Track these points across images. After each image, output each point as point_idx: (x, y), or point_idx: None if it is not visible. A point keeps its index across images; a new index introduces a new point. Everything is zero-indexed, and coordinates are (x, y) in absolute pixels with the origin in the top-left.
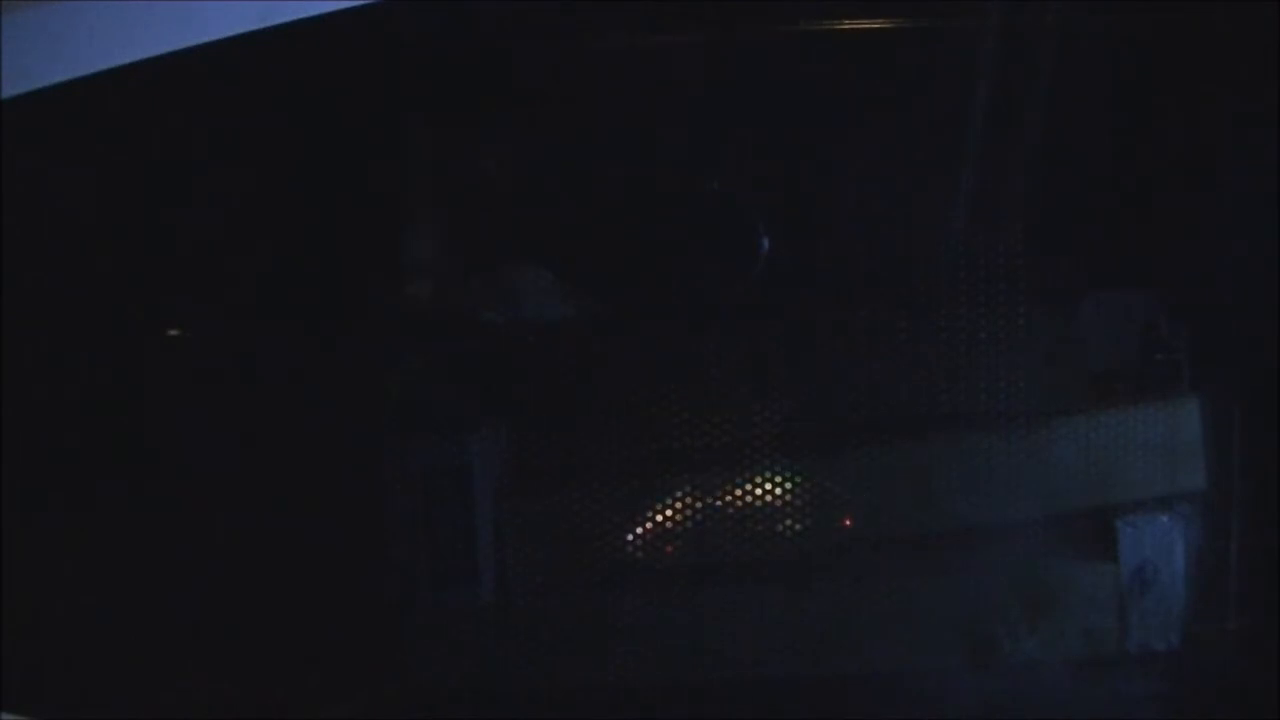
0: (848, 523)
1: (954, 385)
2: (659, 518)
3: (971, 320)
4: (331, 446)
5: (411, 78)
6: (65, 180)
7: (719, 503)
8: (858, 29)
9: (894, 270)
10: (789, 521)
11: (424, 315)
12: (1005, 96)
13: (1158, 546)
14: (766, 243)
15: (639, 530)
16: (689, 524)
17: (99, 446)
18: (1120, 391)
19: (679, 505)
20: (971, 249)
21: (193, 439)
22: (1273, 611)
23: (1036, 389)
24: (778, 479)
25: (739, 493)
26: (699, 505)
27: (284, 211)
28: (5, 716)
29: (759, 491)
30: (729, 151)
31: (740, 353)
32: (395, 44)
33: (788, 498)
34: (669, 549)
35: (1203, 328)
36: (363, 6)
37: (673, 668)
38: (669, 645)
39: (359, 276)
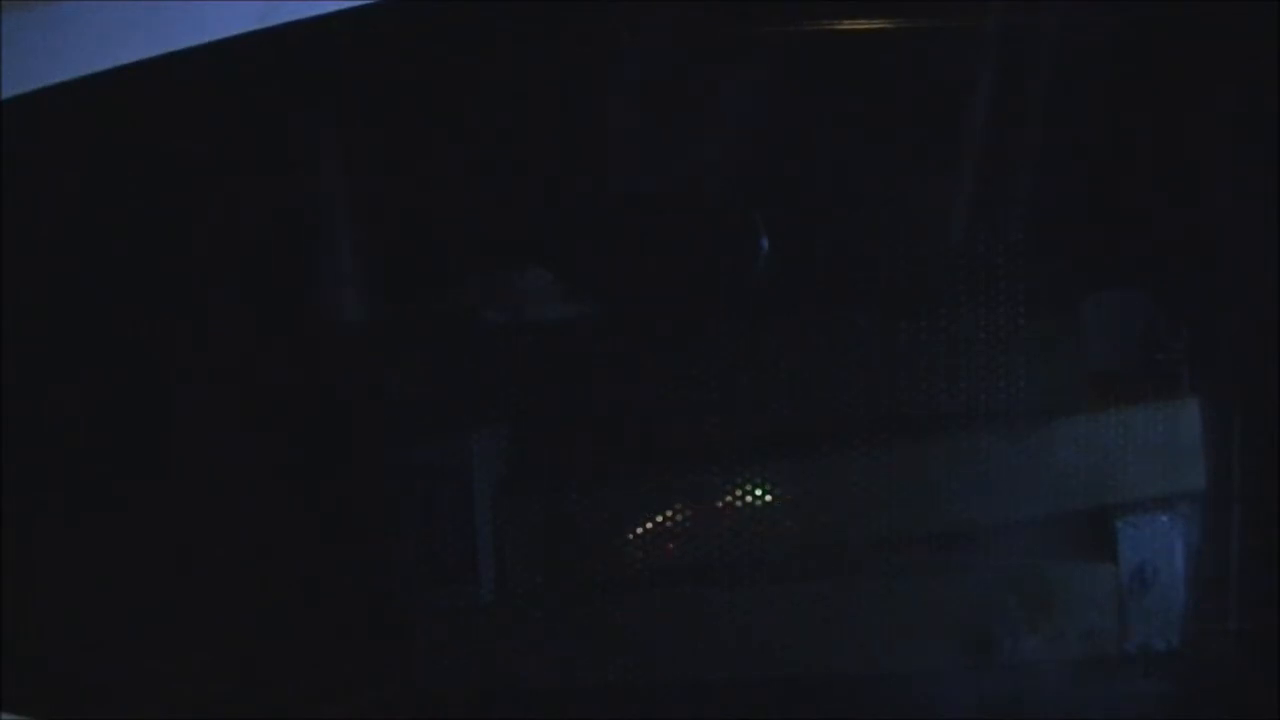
0: (846, 523)
1: (954, 385)
2: (659, 518)
3: (972, 320)
4: (330, 446)
5: (411, 78)
6: (65, 181)
7: (719, 503)
8: (855, 29)
9: (893, 270)
10: (789, 522)
11: (424, 315)
12: (1005, 96)
13: (1158, 546)
14: (766, 243)
15: (639, 531)
16: (689, 524)
17: (98, 446)
18: (1120, 392)
19: (679, 506)
20: (971, 249)
21: (192, 439)
22: (1273, 611)
23: (1036, 389)
24: (777, 479)
25: (739, 493)
26: (699, 506)
27: (283, 211)
28: (5, 717)
29: (759, 491)
30: (728, 151)
31: (740, 353)
32: (395, 44)
33: (787, 498)
34: (669, 549)
35: (1203, 328)
36: (363, 7)
37: (673, 668)
38: (669, 645)
39: (360, 276)
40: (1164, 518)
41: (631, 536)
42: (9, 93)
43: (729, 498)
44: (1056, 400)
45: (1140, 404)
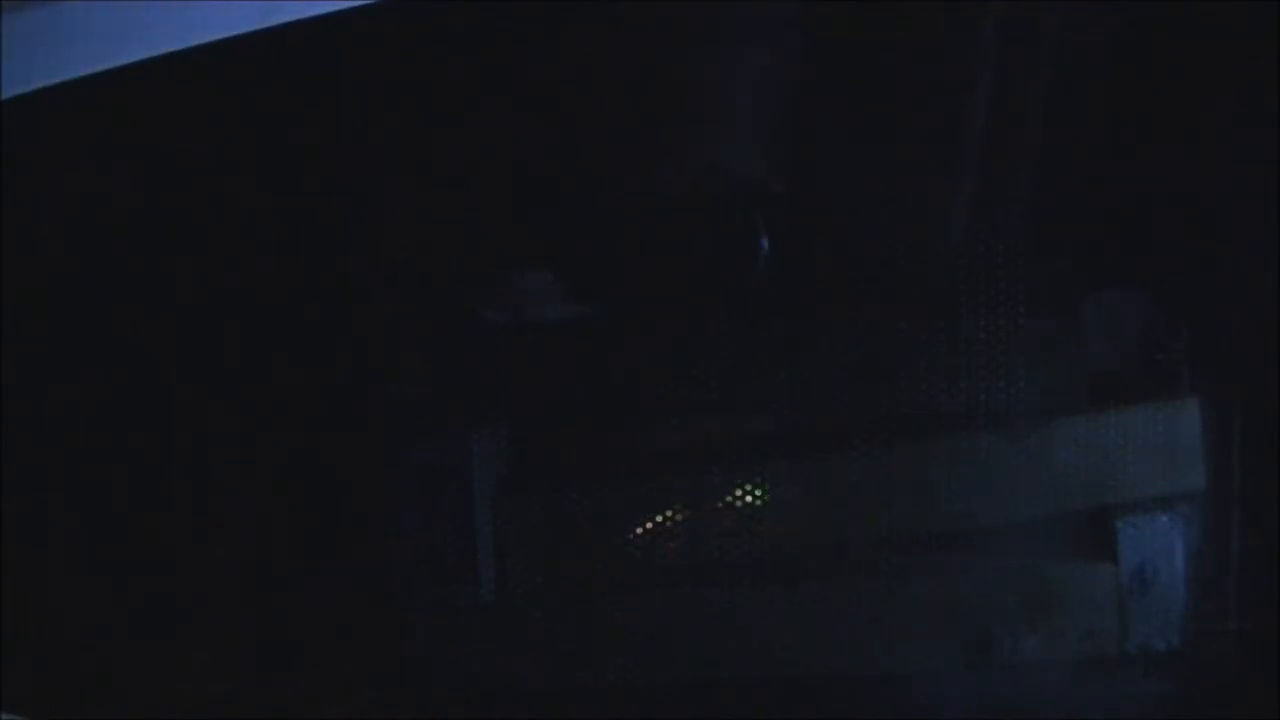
0: (846, 523)
1: (954, 386)
2: (658, 518)
3: (972, 320)
4: (330, 446)
5: (413, 78)
6: (65, 181)
7: (719, 503)
8: (854, 28)
9: (893, 271)
10: (789, 522)
11: (424, 314)
12: (1005, 95)
13: (1158, 546)
14: (766, 243)
15: (639, 531)
16: (689, 524)
17: (98, 446)
18: (1120, 392)
19: (679, 506)
20: (971, 249)
21: (192, 438)
22: (1273, 611)
23: (1037, 389)
24: (777, 479)
25: (739, 493)
26: (699, 506)
27: (284, 211)
28: (5, 717)
29: (759, 492)
30: (728, 150)
31: (741, 353)
32: (396, 44)
33: (787, 498)
34: (669, 549)
35: (1203, 328)
36: (363, 7)
37: (673, 668)
38: (669, 645)
39: (359, 275)
40: (1164, 518)
41: (631, 536)
42: (9, 93)
43: (729, 498)
44: (1057, 400)
45: (1140, 404)
